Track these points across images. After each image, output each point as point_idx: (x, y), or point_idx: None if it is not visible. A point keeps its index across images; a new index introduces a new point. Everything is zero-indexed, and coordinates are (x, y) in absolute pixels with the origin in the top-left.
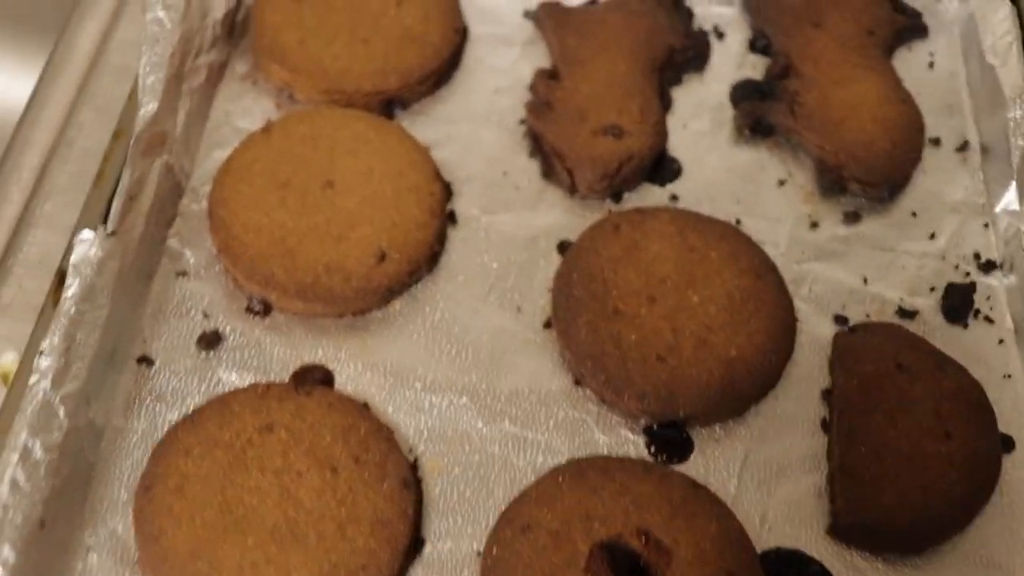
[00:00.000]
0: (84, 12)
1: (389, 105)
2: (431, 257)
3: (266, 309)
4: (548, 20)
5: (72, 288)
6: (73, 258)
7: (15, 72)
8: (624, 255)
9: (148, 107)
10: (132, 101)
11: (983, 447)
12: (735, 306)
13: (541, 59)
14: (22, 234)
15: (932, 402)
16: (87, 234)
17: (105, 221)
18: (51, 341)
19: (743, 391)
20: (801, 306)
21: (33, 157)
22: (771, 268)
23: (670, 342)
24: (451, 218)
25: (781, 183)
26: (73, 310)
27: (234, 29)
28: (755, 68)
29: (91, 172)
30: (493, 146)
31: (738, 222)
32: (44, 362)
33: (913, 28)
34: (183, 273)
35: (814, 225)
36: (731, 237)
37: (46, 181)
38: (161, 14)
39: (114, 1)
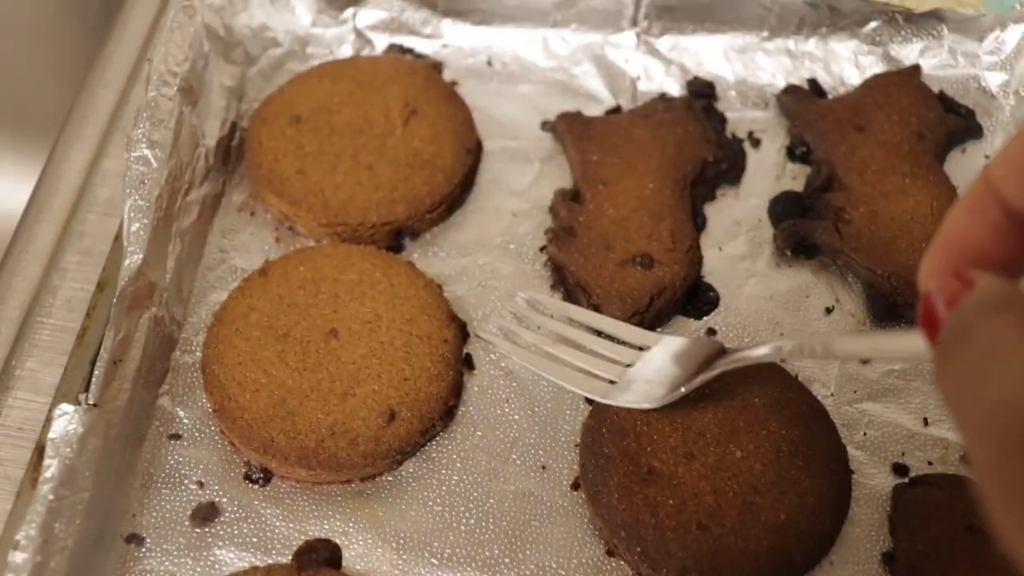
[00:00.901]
0: (69, 140)
1: (398, 236)
2: (446, 412)
3: (266, 477)
4: (568, 133)
5: (51, 470)
6: (51, 434)
7: None
8: None
9: (133, 258)
10: (118, 244)
11: None
12: (783, 462)
13: (561, 177)
14: (2, 398)
15: (1007, 570)
16: (66, 407)
17: (88, 387)
18: (27, 532)
19: (795, 560)
20: (856, 454)
21: (14, 308)
22: (821, 414)
23: (712, 507)
24: (467, 363)
25: (828, 311)
26: (51, 496)
27: (229, 155)
28: (795, 179)
29: (74, 327)
30: (512, 279)
31: (782, 359)
32: (18, 557)
33: (966, 129)
34: (176, 436)
35: (866, 359)
36: (776, 379)
37: (27, 336)
38: (146, 152)
39: (101, 127)
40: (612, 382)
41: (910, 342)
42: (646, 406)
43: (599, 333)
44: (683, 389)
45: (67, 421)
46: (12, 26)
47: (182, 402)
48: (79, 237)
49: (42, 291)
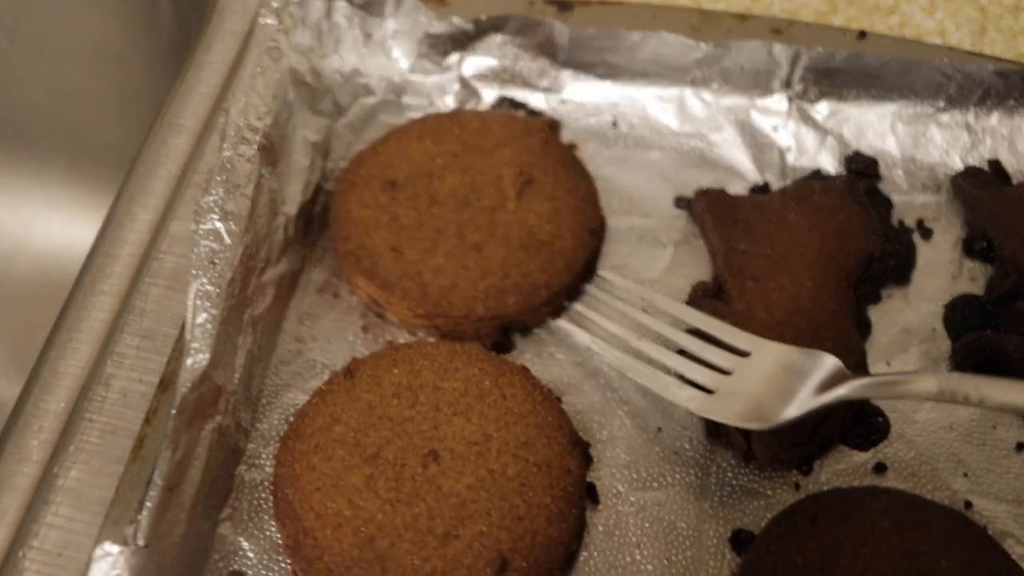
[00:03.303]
0: (133, 195)
1: (506, 331)
2: (567, 560)
3: None
4: (708, 215)
5: None
6: None
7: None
8: (825, 561)
9: (197, 358)
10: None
11: None
12: None
13: (700, 265)
14: (39, 512)
15: None
16: (110, 548)
17: (139, 511)
18: None
19: None
20: None
21: (60, 400)
22: None
23: None
24: (590, 495)
25: (1020, 447)
26: None
27: (312, 224)
28: (974, 279)
29: (129, 427)
30: (643, 389)
31: (968, 505)
32: None
33: None
34: (238, 573)
35: None
36: (965, 535)
37: (73, 438)
38: (219, 225)
39: (171, 180)
40: (709, 391)
41: None
42: (755, 426)
43: (691, 331)
44: (802, 411)
45: (109, 565)
46: (72, 52)
47: (246, 530)
48: (140, 315)
49: (94, 381)
